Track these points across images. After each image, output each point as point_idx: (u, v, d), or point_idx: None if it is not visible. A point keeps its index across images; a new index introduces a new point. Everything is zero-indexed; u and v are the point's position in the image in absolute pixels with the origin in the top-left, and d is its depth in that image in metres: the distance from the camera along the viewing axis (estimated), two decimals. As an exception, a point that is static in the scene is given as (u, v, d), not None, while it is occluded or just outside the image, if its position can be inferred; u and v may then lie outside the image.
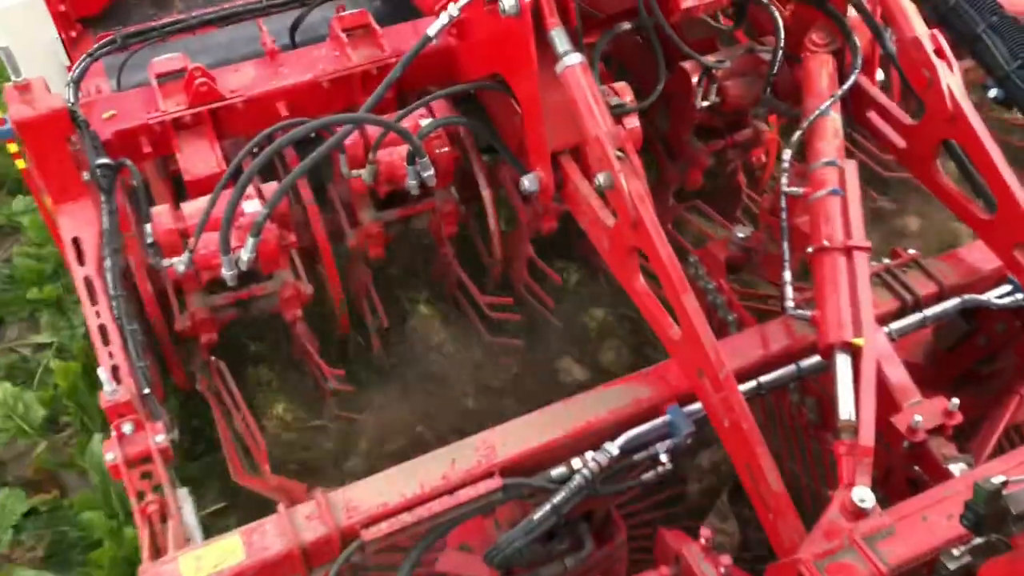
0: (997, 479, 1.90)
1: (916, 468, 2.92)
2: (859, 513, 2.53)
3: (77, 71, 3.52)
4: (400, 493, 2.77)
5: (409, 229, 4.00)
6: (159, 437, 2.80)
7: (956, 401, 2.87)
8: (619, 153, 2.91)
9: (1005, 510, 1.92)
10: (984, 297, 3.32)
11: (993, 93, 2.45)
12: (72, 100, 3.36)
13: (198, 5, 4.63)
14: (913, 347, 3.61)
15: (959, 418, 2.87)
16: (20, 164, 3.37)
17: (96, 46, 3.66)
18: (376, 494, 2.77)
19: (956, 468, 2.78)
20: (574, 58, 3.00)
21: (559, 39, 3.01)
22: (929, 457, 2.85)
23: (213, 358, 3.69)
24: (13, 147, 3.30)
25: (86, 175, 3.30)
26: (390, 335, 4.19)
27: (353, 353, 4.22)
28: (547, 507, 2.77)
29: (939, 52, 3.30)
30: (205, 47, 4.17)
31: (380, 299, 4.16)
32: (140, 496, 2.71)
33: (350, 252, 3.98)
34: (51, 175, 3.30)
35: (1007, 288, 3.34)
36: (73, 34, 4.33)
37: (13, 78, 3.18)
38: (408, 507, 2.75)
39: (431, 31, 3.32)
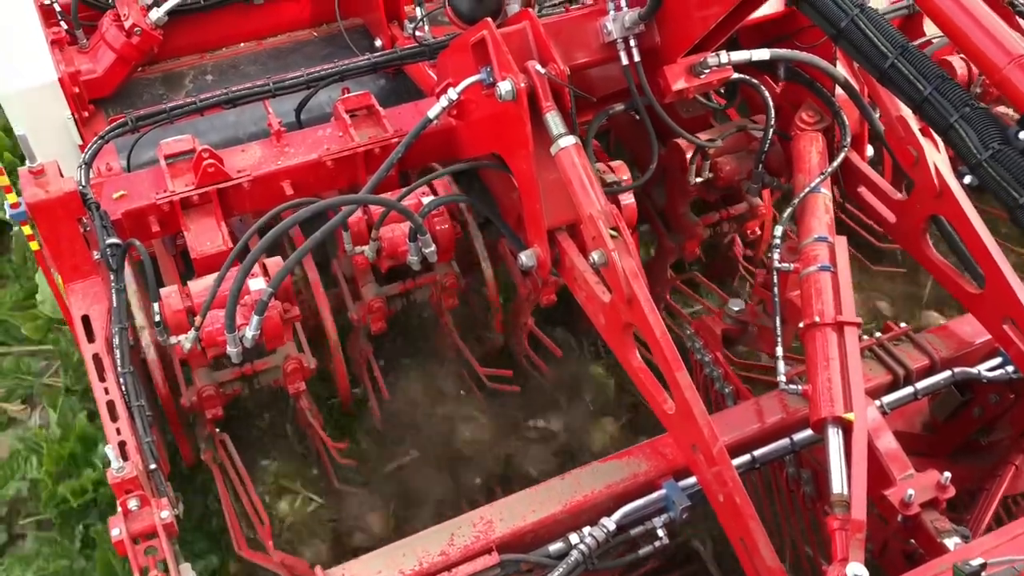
0: (976, 561, 1.93)
1: (912, 542, 2.95)
2: (853, 589, 2.55)
3: (89, 153, 3.62)
4: (399, 569, 2.82)
5: (410, 302, 4.08)
6: (164, 513, 2.83)
7: (948, 474, 2.90)
8: (613, 232, 2.99)
9: (984, 593, 1.94)
10: (975, 370, 3.38)
11: (968, 180, 2.53)
12: (83, 182, 3.45)
13: (207, 84, 4.80)
14: (912, 418, 3.67)
15: (952, 491, 2.90)
16: (34, 246, 3.45)
17: (108, 128, 3.75)
18: (375, 570, 2.81)
19: (950, 542, 2.81)
20: (568, 140, 3.10)
21: (553, 122, 3.11)
22: (924, 531, 2.88)
23: (218, 430, 3.73)
24: (27, 229, 3.38)
25: (96, 254, 3.38)
26: (391, 405, 4.23)
27: (355, 424, 4.26)
28: (544, 583, 2.81)
29: (924, 130, 3.41)
30: (213, 126, 4.30)
31: (381, 369, 4.21)
32: (144, 572, 2.74)
33: (352, 325, 4.05)
34: (62, 255, 3.38)
35: (998, 360, 3.39)
36: (86, 114, 4.44)
37: (28, 163, 3.27)
38: (407, 584, 2.80)
39: (431, 113, 3.45)
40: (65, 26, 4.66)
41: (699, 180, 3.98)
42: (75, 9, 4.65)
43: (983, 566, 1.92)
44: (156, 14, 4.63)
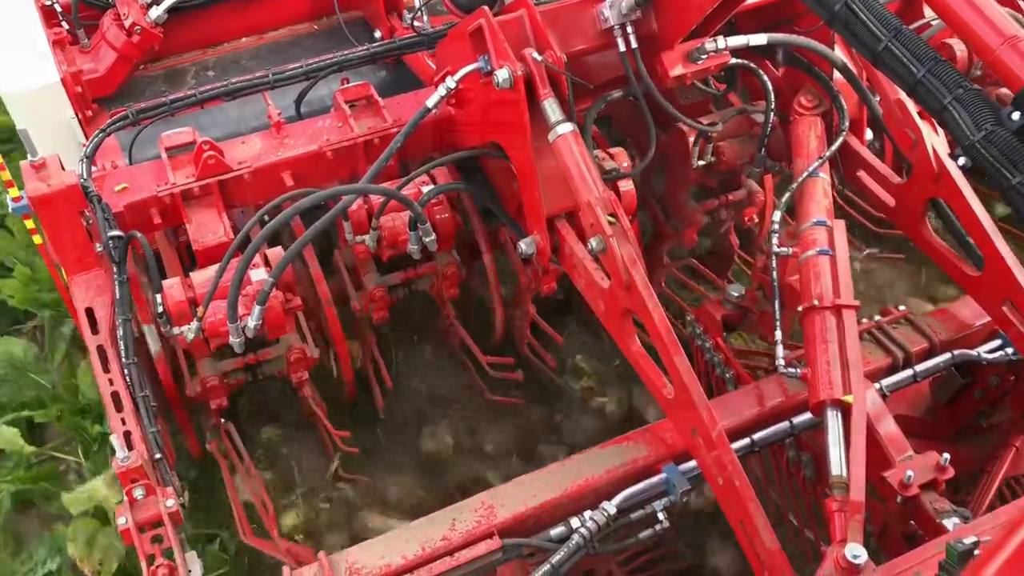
0: (969, 539, 1.94)
1: (912, 523, 2.96)
2: (852, 569, 2.55)
3: (90, 147, 3.63)
4: (401, 554, 2.83)
5: (412, 291, 4.09)
6: (169, 502, 2.85)
7: (947, 456, 2.91)
8: (611, 218, 3.00)
9: (978, 570, 1.94)
10: (974, 352, 3.38)
11: (961, 161, 2.53)
12: (85, 175, 3.47)
13: (209, 80, 4.81)
14: (914, 402, 3.67)
15: (950, 472, 2.91)
16: (37, 240, 3.48)
17: (108, 122, 3.77)
18: (378, 556, 2.83)
19: (950, 523, 2.82)
20: (566, 127, 3.11)
21: (551, 109, 3.12)
22: (923, 512, 2.89)
23: (223, 420, 3.76)
24: (30, 223, 3.41)
25: (98, 247, 3.41)
26: (394, 394, 4.25)
27: (358, 413, 4.29)
28: (546, 567, 2.81)
29: (923, 114, 3.41)
30: (215, 122, 4.31)
31: (384, 359, 4.23)
32: (150, 560, 2.77)
33: (355, 314, 4.06)
34: (65, 248, 3.40)
35: (997, 343, 3.39)
36: (89, 113, 4.46)
37: (30, 158, 3.29)
38: (409, 568, 2.82)
39: (430, 103, 3.46)
40: (66, 26, 4.67)
41: (701, 163, 3.97)
42: (76, 9, 4.66)
43: (976, 544, 1.93)
44: (156, 12, 4.63)
